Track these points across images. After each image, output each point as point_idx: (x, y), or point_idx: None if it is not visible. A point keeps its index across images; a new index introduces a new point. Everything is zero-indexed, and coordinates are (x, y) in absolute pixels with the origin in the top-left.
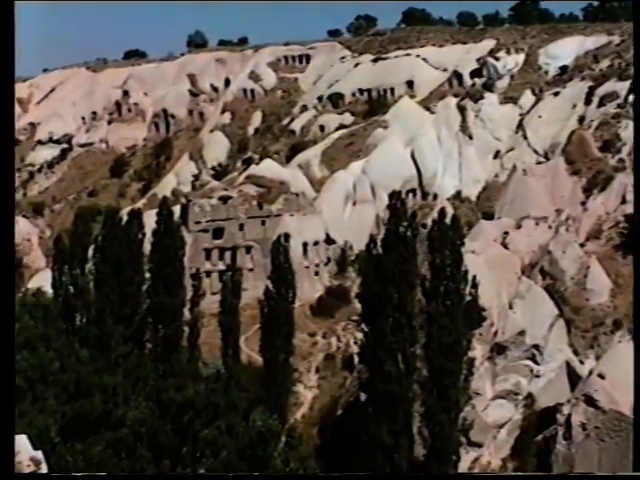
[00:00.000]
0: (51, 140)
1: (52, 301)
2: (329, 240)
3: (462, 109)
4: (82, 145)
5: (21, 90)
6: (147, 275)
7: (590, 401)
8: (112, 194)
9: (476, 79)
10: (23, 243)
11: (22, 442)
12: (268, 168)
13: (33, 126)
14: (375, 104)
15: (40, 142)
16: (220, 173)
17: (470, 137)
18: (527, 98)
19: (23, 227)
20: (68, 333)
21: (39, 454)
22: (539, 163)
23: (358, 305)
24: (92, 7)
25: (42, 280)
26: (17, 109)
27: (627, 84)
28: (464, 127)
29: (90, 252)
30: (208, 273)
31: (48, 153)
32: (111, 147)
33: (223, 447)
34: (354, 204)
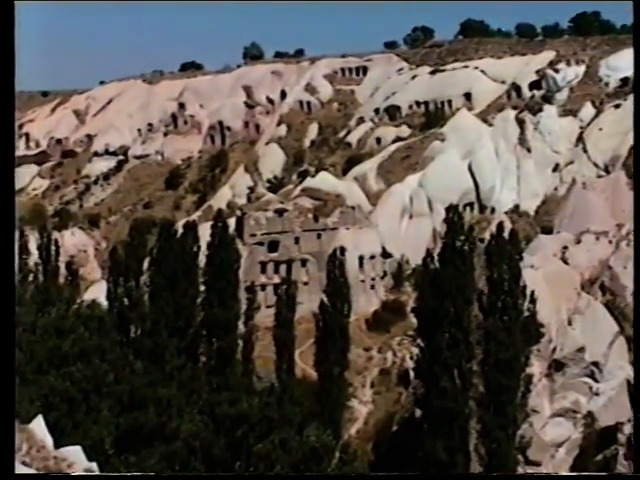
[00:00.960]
0: (107, 152)
1: (107, 313)
2: (385, 254)
3: (521, 122)
4: (138, 157)
5: (78, 102)
6: (202, 288)
7: None
8: (167, 206)
9: (535, 91)
10: (79, 254)
11: (77, 453)
12: (324, 181)
13: (90, 138)
14: (432, 116)
15: (96, 154)
16: (276, 186)
17: (529, 150)
18: (587, 110)
19: (79, 239)
20: (122, 345)
21: (94, 466)
22: (599, 177)
23: (414, 320)
24: (148, 19)
25: (97, 292)
26: (74, 121)
27: None
28: (522, 140)
29: (145, 264)
30: (263, 286)
31: (104, 165)
32: (166, 159)
33: (276, 462)
34: (410, 217)
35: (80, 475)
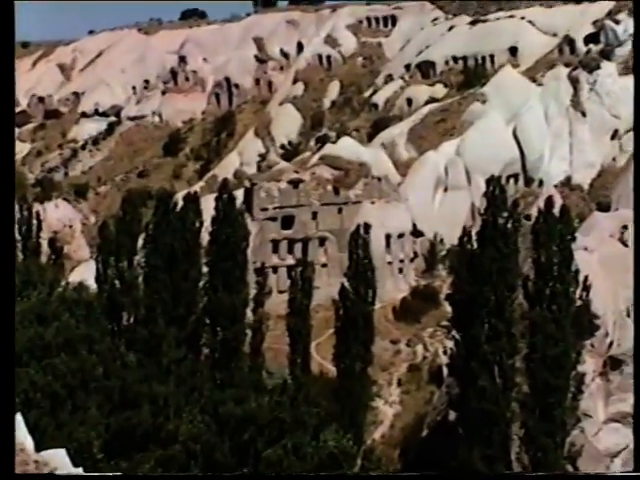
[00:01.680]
0: (97, 112)
1: (96, 297)
2: (416, 232)
3: (574, 81)
4: (132, 118)
5: (64, 55)
6: (204, 270)
7: None
8: (165, 175)
9: (591, 46)
10: (64, 230)
11: (60, 457)
12: (346, 148)
13: (77, 96)
14: (472, 74)
15: (84, 115)
16: (290, 153)
17: (583, 114)
18: None
19: (64, 212)
20: (113, 334)
21: (79, 472)
22: None
23: (449, 308)
24: None
25: (85, 273)
26: (59, 77)
27: None
28: (576, 102)
29: (140, 242)
30: (275, 268)
31: (93, 127)
32: (165, 121)
33: (289, 469)
34: (445, 191)
35: (80, 475)
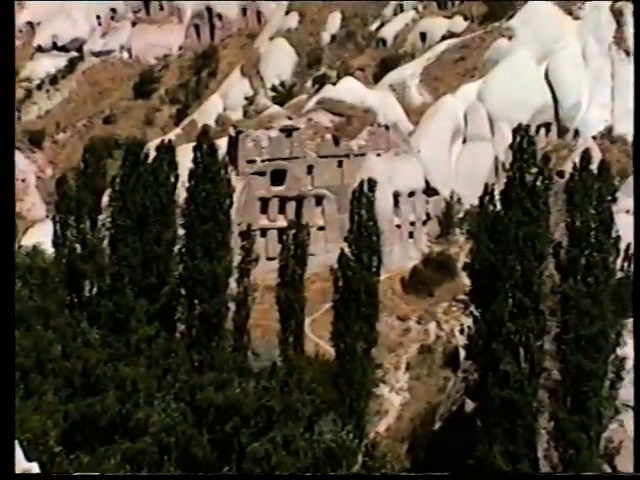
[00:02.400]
0: (55, 47)
1: (53, 264)
2: (429, 190)
3: (617, 13)
4: (97, 54)
5: None
6: (180, 232)
7: None
8: (136, 121)
9: None
10: (16, 185)
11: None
12: (348, 90)
13: (31, 27)
14: (496, 5)
15: (40, 49)
16: (283, 95)
17: (627, 53)
18: None
19: (16, 163)
20: (73, 307)
21: (34, 467)
22: None
23: (466, 280)
24: None
25: (40, 235)
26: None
27: None
28: (619, 39)
29: (105, 199)
30: (264, 231)
31: (51, 64)
32: (135, 57)
33: (278, 466)
34: (464, 142)
35: (81, 475)
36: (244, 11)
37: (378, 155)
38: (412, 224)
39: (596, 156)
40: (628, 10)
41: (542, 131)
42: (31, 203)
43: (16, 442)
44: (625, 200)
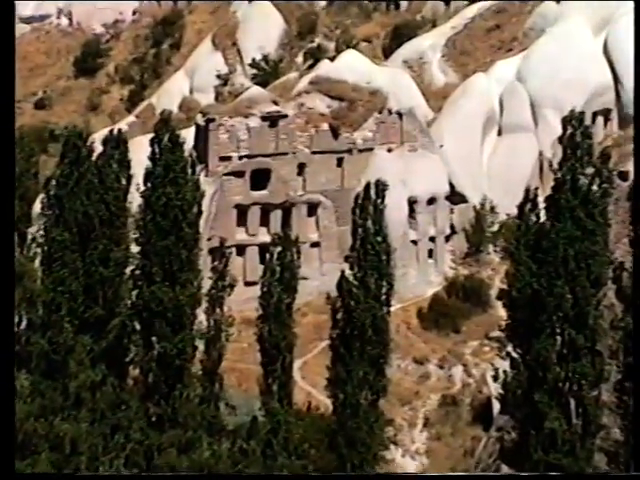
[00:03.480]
0: None
1: None
2: (454, 196)
3: None
4: (26, 20)
5: None
6: (134, 249)
7: None
8: (77, 105)
9: None
10: None
11: None
12: (351, 67)
13: None
14: None
15: None
16: (266, 74)
17: None
18: None
19: None
20: None
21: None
22: None
23: (502, 312)
24: None
25: None
26: None
27: None
28: None
29: (37, 207)
30: (241, 248)
31: None
32: (77, 24)
33: None
34: (500, 133)
35: (80, 475)
36: None
37: (389, 151)
38: (432, 239)
39: None
40: None
41: (600, 120)
42: None
43: None
44: None
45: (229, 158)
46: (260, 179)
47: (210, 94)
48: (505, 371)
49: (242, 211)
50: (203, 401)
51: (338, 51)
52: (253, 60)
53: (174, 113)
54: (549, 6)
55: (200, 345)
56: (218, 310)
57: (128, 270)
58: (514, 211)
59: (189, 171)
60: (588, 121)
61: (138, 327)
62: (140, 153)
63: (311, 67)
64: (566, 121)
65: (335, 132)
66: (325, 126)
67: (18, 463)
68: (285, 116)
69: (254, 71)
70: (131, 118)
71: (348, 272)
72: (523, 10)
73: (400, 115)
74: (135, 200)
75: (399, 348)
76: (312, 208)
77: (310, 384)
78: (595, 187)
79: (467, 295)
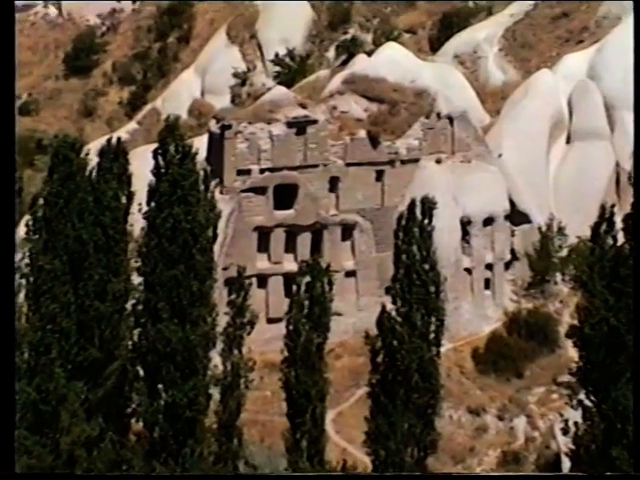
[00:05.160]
0: None
1: None
2: (515, 215)
3: None
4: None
5: None
6: (136, 280)
7: None
8: (69, 111)
9: None
10: None
11: None
12: (391, 63)
13: None
14: None
15: None
16: (292, 71)
17: None
18: None
19: None
20: None
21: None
22: None
23: (573, 352)
24: None
25: None
26: None
27: None
28: None
29: (21, 230)
30: (263, 279)
31: None
32: (68, 15)
33: None
34: (569, 141)
35: (80, 475)
36: None
37: (438, 162)
38: (489, 267)
39: None
40: None
41: None
42: None
43: None
44: None
45: (248, 172)
46: (285, 196)
47: (225, 96)
48: (576, 423)
49: (264, 234)
50: (219, 460)
51: (376, 44)
52: (276, 55)
53: (182, 119)
54: None
55: (215, 393)
56: (236, 352)
57: (129, 305)
58: (586, 233)
59: (201, 187)
60: None
61: (141, 372)
62: (143, 166)
63: (344, 63)
64: None
65: (374, 140)
66: (362, 133)
67: None
68: (314, 122)
69: (277, 68)
70: (132, 125)
71: (390, 306)
72: None
73: (451, 120)
74: (137, 222)
75: (451, 396)
76: (347, 230)
77: (346, 439)
78: None
79: (531, 333)
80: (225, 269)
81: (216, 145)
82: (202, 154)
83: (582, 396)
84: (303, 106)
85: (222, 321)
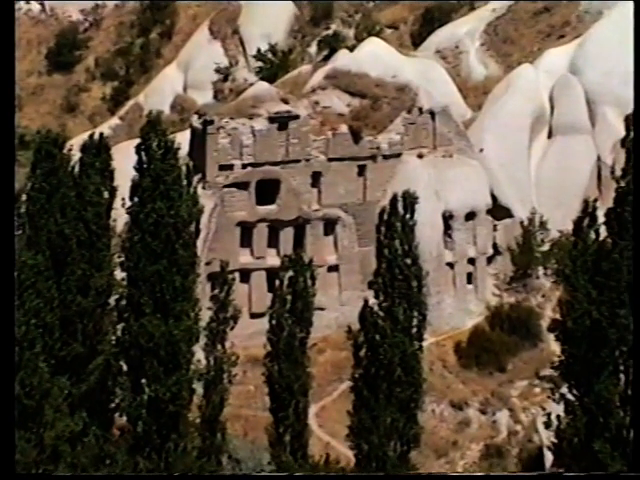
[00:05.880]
0: None
1: None
2: (497, 209)
3: None
4: None
5: None
6: (119, 275)
7: None
8: (51, 106)
9: None
10: None
11: None
12: (374, 58)
13: None
14: None
15: None
16: (275, 66)
17: None
18: None
19: None
20: None
21: None
22: None
23: (555, 346)
24: None
25: None
26: None
27: None
28: None
29: None
30: (246, 273)
31: None
32: (50, 9)
33: None
34: (550, 135)
35: (80, 475)
36: None
37: (419, 157)
38: (471, 261)
39: None
40: None
41: None
42: None
43: None
44: None
45: (231, 167)
46: (268, 191)
47: (208, 91)
48: (559, 416)
49: (247, 229)
50: (202, 454)
51: (358, 39)
52: (258, 51)
53: (165, 114)
54: None
55: (198, 388)
56: (219, 346)
57: (112, 300)
58: (568, 227)
59: (184, 183)
60: None
61: (124, 367)
62: (125, 162)
63: (327, 58)
64: (629, 120)
65: (356, 135)
66: (344, 128)
67: None
68: (297, 117)
69: (259, 64)
70: (115, 120)
71: (372, 301)
72: None
73: (432, 114)
74: (120, 217)
75: (434, 390)
76: (329, 225)
77: (329, 433)
78: None
79: (513, 327)
80: (208, 264)
81: (198, 140)
82: (184, 149)
83: (564, 390)
84: (285, 101)
85: (205, 316)
